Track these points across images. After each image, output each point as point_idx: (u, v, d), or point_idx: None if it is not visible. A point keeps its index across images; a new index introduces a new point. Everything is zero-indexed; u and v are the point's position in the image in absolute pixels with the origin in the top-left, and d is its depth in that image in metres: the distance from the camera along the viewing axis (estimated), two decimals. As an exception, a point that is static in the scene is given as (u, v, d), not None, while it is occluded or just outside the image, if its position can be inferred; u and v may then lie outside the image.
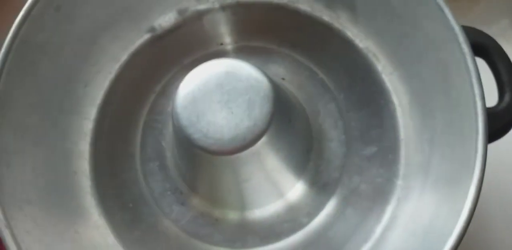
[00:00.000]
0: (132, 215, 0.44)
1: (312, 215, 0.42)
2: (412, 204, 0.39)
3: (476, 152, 0.31)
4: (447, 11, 0.33)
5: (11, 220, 0.35)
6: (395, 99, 0.42)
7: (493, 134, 0.34)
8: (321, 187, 0.43)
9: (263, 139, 0.35)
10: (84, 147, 0.45)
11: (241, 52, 0.47)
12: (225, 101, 0.35)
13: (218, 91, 0.35)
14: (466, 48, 0.32)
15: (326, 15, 0.44)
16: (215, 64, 0.36)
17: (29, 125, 0.40)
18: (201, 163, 0.39)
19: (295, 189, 0.43)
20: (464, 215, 0.31)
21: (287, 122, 0.38)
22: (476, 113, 0.31)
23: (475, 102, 0.32)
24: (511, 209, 0.50)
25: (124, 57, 0.46)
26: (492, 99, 0.36)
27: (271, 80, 0.36)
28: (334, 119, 0.44)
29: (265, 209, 0.43)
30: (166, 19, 0.46)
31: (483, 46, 0.36)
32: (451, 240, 0.30)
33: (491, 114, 0.33)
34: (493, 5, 0.54)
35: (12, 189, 0.37)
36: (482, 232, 0.49)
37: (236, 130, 0.35)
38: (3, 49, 0.37)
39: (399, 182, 0.41)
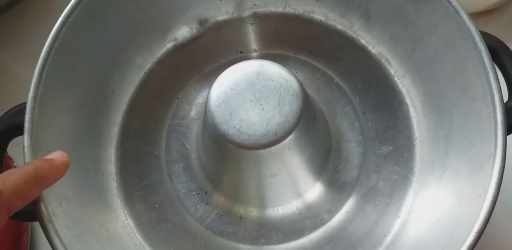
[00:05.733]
0: (158, 215, 0.45)
1: (333, 212, 0.45)
2: (429, 197, 0.41)
3: (496, 139, 0.33)
4: (462, 12, 0.36)
5: (52, 215, 0.36)
6: (408, 100, 0.45)
7: (508, 128, 0.35)
8: (340, 185, 0.45)
9: (292, 135, 0.37)
10: (110, 150, 0.46)
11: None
12: (257, 99, 0.37)
13: (249, 90, 0.37)
14: (482, 46, 0.35)
15: (339, 24, 0.47)
16: (246, 65, 0.38)
17: (64, 126, 0.41)
18: (232, 159, 0.41)
19: (316, 187, 0.45)
20: (488, 199, 0.33)
21: (312, 121, 0.41)
22: (494, 105, 0.34)
23: (492, 95, 0.34)
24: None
25: (148, 65, 0.49)
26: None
27: (298, 80, 0.38)
28: (351, 121, 0.46)
29: (287, 206, 0.45)
30: (188, 29, 0.49)
31: (492, 49, 0.38)
32: (478, 223, 0.32)
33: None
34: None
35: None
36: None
37: (268, 126, 0.37)
38: (43, 53, 0.39)
39: (415, 178, 0.43)
